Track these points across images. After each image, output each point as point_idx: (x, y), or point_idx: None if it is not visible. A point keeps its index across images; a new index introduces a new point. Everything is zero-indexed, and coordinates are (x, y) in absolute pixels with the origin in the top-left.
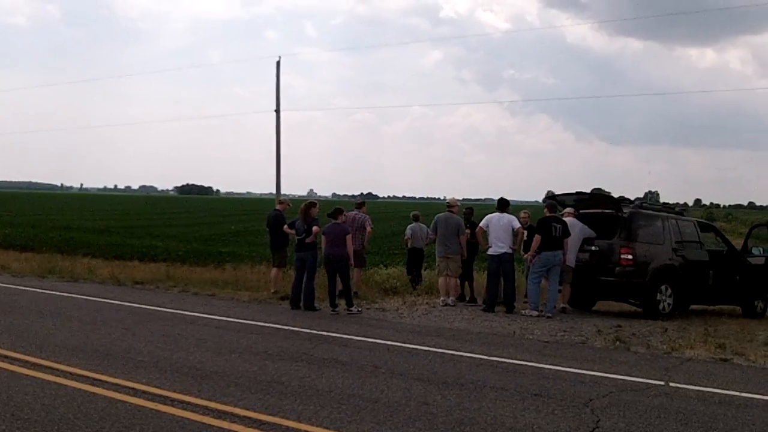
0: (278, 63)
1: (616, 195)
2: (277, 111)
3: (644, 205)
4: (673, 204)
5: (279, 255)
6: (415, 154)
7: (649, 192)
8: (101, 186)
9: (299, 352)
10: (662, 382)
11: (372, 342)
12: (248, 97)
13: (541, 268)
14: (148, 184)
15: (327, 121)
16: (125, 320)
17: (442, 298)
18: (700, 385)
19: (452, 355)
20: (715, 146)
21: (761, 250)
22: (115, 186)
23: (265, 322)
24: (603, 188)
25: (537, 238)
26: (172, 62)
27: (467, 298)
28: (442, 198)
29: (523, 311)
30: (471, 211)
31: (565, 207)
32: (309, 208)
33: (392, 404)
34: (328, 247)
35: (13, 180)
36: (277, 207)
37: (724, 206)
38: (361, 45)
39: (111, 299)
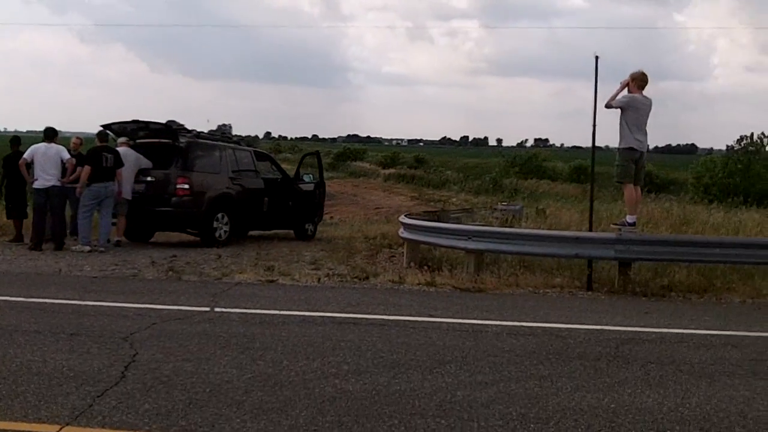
0: None
1: (193, 129)
2: None
3: (202, 135)
4: (231, 134)
5: None
6: None
7: (223, 125)
8: None
9: None
10: (208, 308)
11: None
12: None
13: (92, 200)
14: None
15: None
16: None
17: None
18: (244, 308)
19: None
20: (285, 82)
21: (311, 177)
22: None
23: None
24: (177, 121)
25: (87, 169)
26: None
27: (13, 237)
28: (3, 130)
29: (73, 247)
30: (18, 141)
31: (120, 137)
32: None
33: None
34: None
35: None
36: None
37: (292, 138)
38: None
39: None
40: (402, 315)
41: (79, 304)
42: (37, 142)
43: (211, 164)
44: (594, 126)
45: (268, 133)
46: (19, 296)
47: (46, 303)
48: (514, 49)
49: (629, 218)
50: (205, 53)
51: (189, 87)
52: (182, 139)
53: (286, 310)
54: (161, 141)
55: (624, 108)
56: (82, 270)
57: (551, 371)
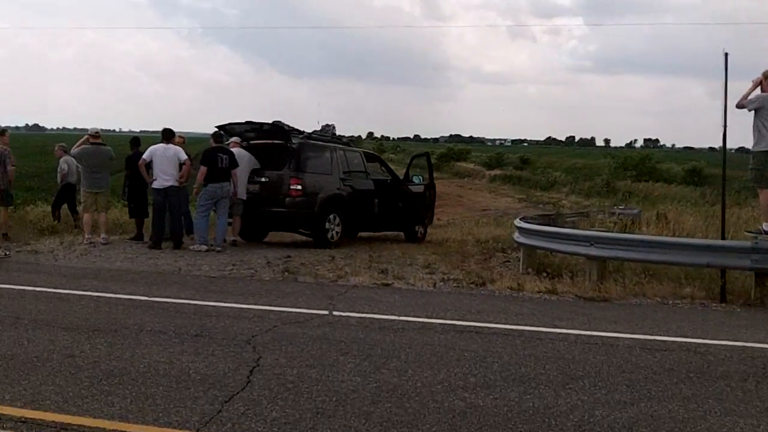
0: None
1: (297, 128)
2: None
3: (313, 136)
4: (338, 135)
5: None
6: (87, 82)
7: (326, 125)
8: None
9: None
10: (326, 312)
11: (17, 289)
12: None
13: (208, 200)
14: None
15: None
16: None
17: (87, 236)
18: (362, 312)
19: (108, 298)
20: (387, 83)
21: (420, 178)
22: None
23: None
24: (283, 121)
25: (203, 169)
26: None
27: (134, 236)
28: (117, 130)
29: (191, 246)
30: (138, 142)
31: (232, 137)
32: None
33: (31, 360)
34: None
35: None
36: None
37: (394, 138)
38: None
39: None
40: (525, 325)
41: (201, 305)
42: (156, 143)
43: (322, 165)
44: (725, 127)
45: (370, 133)
46: (143, 295)
47: (168, 302)
48: (620, 46)
49: (766, 226)
50: (308, 54)
51: (291, 87)
52: (294, 141)
53: (405, 315)
54: (273, 142)
55: (759, 108)
56: (200, 269)
57: (694, 391)
